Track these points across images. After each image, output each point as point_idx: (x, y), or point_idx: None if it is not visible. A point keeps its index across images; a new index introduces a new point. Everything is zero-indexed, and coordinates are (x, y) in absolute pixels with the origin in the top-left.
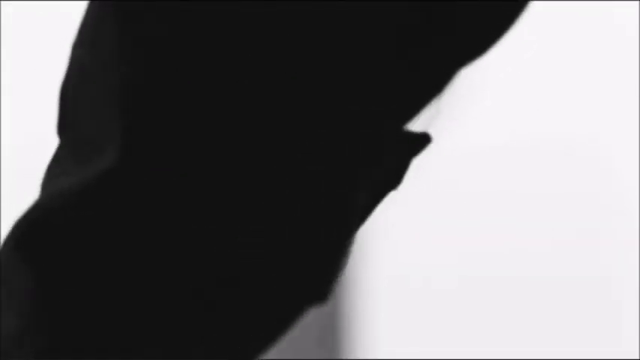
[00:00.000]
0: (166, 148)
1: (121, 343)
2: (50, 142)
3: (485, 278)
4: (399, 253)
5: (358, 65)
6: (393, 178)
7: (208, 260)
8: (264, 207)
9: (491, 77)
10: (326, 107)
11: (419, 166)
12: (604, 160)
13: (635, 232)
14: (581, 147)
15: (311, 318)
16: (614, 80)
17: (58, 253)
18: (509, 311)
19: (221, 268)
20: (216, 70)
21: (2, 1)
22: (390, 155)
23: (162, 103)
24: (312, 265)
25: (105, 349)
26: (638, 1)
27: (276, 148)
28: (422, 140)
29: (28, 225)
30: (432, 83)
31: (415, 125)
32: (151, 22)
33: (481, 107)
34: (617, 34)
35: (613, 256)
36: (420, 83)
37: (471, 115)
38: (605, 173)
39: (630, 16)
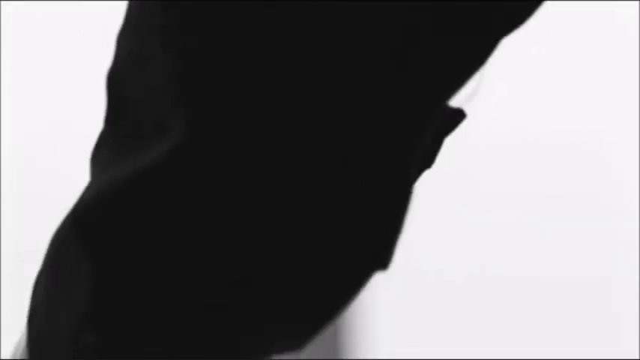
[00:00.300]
0: (226, 133)
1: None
2: (50, 142)
3: (486, 278)
4: (399, 253)
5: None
6: (428, 156)
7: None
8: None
9: (492, 76)
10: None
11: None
12: (605, 159)
13: (635, 232)
14: (583, 146)
15: None
16: (614, 79)
17: (117, 239)
18: (510, 311)
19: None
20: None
21: (2, 1)
22: (429, 133)
23: (219, 87)
24: (368, 239)
25: (155, 343)
26: (638, 1)
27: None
28: (457, 116)
29: (86, 211)
30: (472, 57)
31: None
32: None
33: (483, 106)
34: (617, 33)
35: (613, 256)
36: (459, 59)
37: (474, 113)
38: (606, 173)
39: (630, 16)
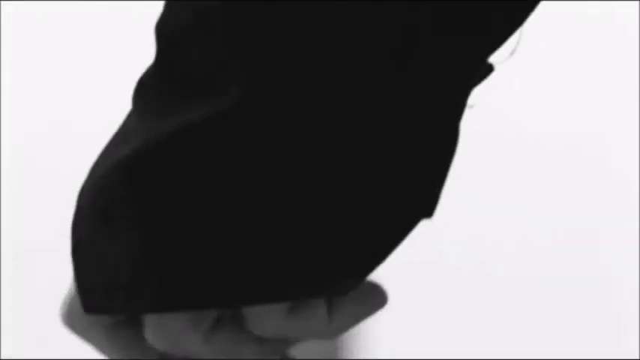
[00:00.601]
0: (281, 94)
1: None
2: (50, 142)
3: (486, 278)
4: (399, 253)
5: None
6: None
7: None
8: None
9: (495, 76)
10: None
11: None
12: (605, 159)
13: (635, 232)
14: (583, 146)
15: None
16: (614, 79)
17: (165, 188)
18: (509, 311)
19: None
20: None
21: (2, 1)
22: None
23: (276, 47)
24: (413, 192)
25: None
26: (638, 1)
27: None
28: (486, 70)
29: (143, 156)
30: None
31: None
32: None
33: (484, 106)
34: (617, 33)
35: (613, 256)
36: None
37: (474, 113)
38: (606, 173)
39: (630, 16)
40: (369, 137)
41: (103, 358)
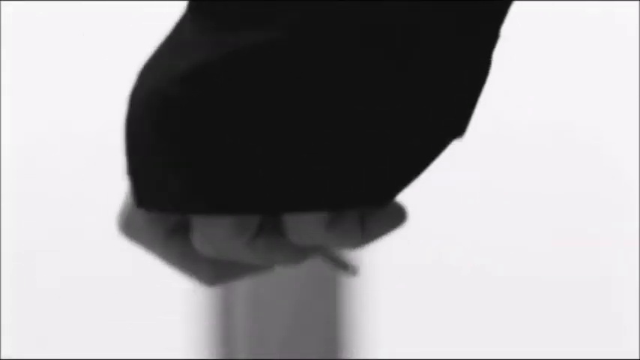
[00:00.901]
0: (321, 39)
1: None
2: (50, 142)
3: (486, 278)
4: (400, 254)
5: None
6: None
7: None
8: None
9: (495, 75)
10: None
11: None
12: (606, 159)
13: (635, 232)
14: (583, 146)
15: (311, 318)
16: (615, 79)
17: (215, 102)
18: (510, 311)
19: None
20: None
21: (2, 1)
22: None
23: None
24: (445, 114)
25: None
26: (638, 1)
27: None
28: None
29: (194, 74)
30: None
31: None
32: None
33: (483, 107)
34: (617, 33)
35: (613, 256)
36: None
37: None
38: (606, 172)
39: (630, 16)
40: (399, 72)
41: (102, 358)
